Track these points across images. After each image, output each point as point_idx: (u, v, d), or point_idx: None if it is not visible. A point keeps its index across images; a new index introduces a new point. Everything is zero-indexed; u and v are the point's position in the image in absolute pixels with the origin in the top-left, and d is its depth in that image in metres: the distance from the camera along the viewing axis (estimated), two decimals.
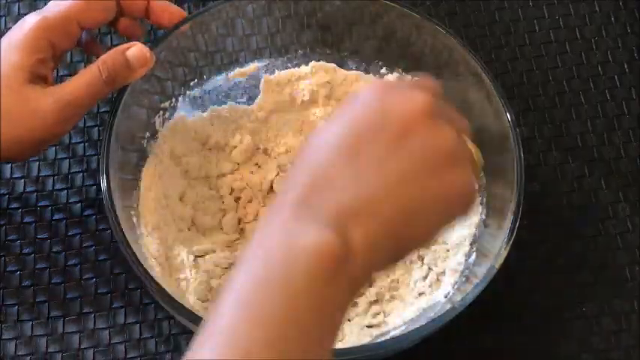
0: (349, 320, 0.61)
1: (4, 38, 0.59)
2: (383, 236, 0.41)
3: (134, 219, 0.60)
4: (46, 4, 0.73)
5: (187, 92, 0.66)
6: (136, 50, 0.58)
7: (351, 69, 0.68)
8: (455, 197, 0.44)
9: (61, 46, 0.59)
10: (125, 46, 0.58)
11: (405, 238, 0.43)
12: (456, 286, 0.59)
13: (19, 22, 0.59)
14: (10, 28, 0.72)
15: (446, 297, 0.59)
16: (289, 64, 0.68)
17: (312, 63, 0.67)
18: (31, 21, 0.58)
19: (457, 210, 0.44)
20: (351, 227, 0.40)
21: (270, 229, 0.41)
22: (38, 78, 0.57)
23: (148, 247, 0.59)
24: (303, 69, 0.67)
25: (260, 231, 0.42)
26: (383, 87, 0.46)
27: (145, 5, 0.61)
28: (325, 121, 0.46)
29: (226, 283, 0.40)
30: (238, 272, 0.40)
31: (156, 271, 0.58)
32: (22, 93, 0.56)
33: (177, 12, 0.62)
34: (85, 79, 0.57)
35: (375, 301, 0.61)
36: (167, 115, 0.65)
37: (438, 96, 0.45)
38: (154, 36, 0.70)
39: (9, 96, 0.56)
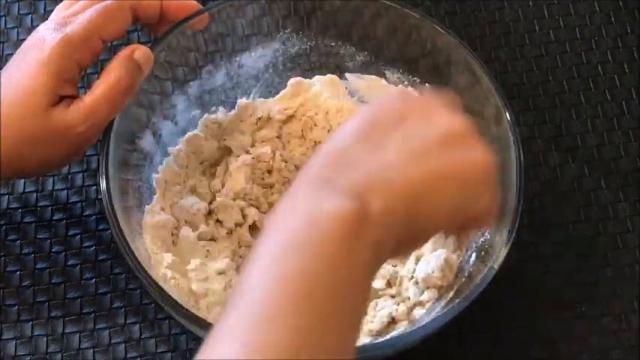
0: None
1: (20, 57, 0.57)
2: (398, 208, 0.43)
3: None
4: (46, 4, 0.74)
5: (187, 92, 0.66)
6: (141, 51, 0.58)
7: (351, 70, 0.68)
8: (468, 174, 0.46)
9: (86, 64, 0.57)
10: (129, 50, 0.58)
11: (419, 215, 0.44)
12: (455, 287, 0.59)
13: (37, 39, 0.57)
14: (10, 28, 0.73)
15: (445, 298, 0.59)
16: (289, 64, 0.68)
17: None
18: (51, 40, 0.56)
19: (472, 189, 0.46)
20: (368, 196, 0.42)
21: (290, 203, 0.43)
22: (62, 97, 0.56)
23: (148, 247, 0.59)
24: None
25: (280, 206, 0.44)
26: (403, 93, 0.50)
27: (159, 6, 0.60)
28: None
29: (253, 252, 0.43)
30: (265, 240, 0.43)
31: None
32: (46, 118, 0.55)
33: (192, 5, 0.61)
34: (106, 93, 0.56)
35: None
36: (167, 114, 0.65)
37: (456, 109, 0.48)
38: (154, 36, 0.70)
39: (34, 122, 0.55)
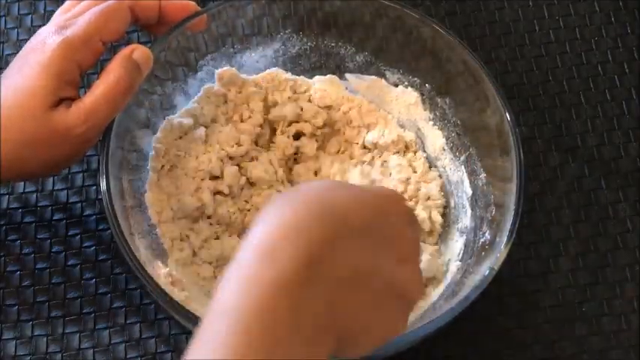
0: None
1: (21, 61, 0.57)
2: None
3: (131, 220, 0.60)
4: (46, 4, 0.74)
5: (187, 92, 0.66)
6: (140, 52, 0.58)
7: (351, 70, 0.68)
8: (391, 334, 0.45)
9: (87, 66, 0.57)
10: (128, 50, 0.58)
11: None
12: (456, 287, 0.59)
13: (38, 42, 0.57)
14: (10, 28, 0.73)
15: (445, 296, 0.59)
16: (289, 64, 0.68)
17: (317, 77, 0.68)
18: (52, 42, 0.56)
19: (376, 341, 0.45)
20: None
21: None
22: (63, 99, 0.56)
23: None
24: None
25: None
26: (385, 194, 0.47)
27: (157, 6, 0.60)
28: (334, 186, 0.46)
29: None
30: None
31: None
32: (47, 120, 0.55)
33: (191, 6, 0.62)
34: (105, 93, 0.56)
35: None
36: (167, 114, 0.65)
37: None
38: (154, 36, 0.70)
39: (34, 124, 0.55)
